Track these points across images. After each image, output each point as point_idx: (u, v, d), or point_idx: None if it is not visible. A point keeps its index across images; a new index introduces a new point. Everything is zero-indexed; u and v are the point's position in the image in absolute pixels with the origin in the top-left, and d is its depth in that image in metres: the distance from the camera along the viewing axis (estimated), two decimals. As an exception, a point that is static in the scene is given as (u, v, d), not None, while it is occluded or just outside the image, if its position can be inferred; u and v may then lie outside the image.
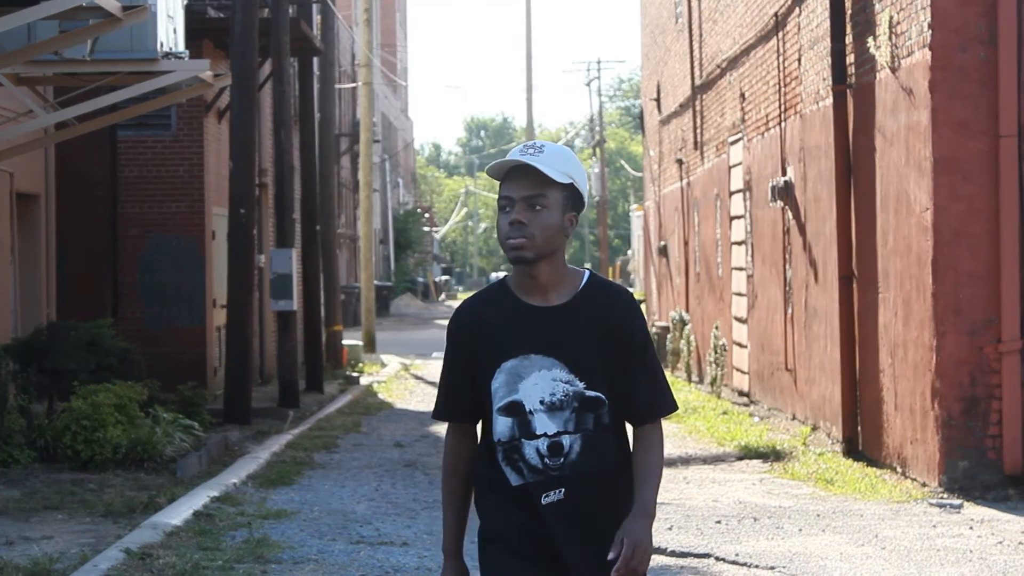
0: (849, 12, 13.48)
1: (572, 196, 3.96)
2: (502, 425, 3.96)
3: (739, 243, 19.11)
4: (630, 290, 4.27)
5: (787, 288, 16.32)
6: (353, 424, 17.47)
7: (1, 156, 14.50)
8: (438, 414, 4.10)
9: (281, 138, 19.51)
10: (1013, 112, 11.14)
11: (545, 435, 3.92)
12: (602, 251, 61.48)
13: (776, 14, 16.67)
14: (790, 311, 16.20)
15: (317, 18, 25.46)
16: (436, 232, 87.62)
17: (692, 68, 23.10)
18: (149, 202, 19.36)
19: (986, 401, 11.13)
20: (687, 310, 23.73)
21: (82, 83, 14.78)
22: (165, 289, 19.22)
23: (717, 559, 8.94)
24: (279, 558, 8.76)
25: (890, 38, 12.19)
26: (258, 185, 20.24)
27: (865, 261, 13.14)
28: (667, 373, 23.22)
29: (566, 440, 3.91)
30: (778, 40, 16.63)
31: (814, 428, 14.91)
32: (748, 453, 13.92)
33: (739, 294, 19.19)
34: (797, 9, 15.64)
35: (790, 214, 16.07)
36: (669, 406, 4.03)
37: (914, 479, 11.64)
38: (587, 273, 4.03)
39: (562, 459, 3.91)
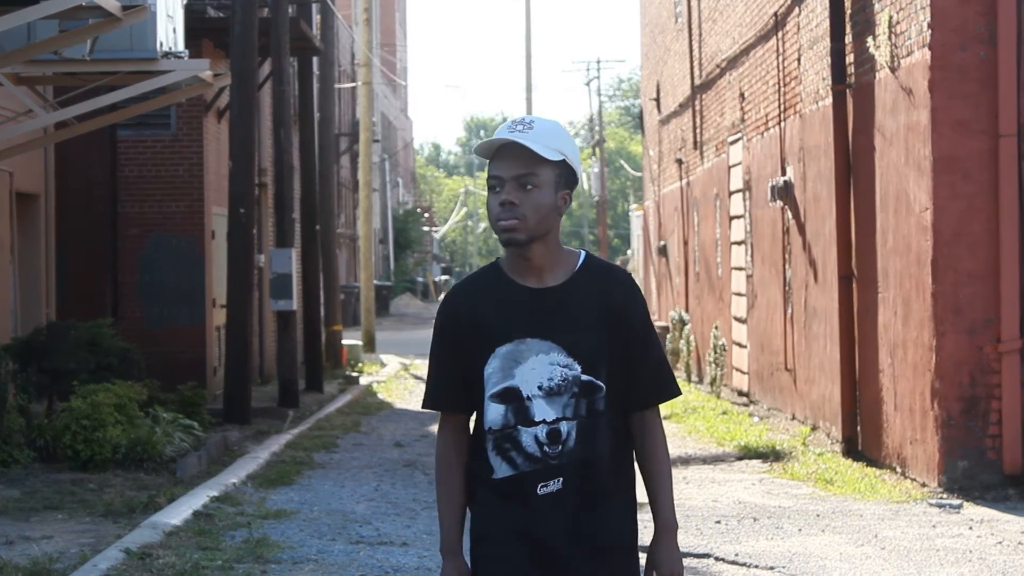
0: (849, 12, 13.48)
1: (565, 173, 3.80)
2: (494, 412, 3.79)
3: (739, 243, 19.11)
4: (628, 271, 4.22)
5: (787, 288, 16.32)
6: (353, 424, 17.47)
7: (1, 156, 14.50)
8: (429, 402, 3.91)
9: (281, 138, 19.52)
10: (1013, 111, 11.14)
11: (544, 422, 3.76)
12: (602, 251, 61.47)
13: (776, 14, 16.67)
14: (790, 311, 16.20)
15: (317, 18, 25.46)
16: (436, 232, 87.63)
17: (692, 68, 23.11)
18: (149, 202, 19.36)
19: (986, 401, 11.13)
20: (687, 310, 23.73)
21: (82, 83, 14.78)
22: (165, 289, 19.23)
23: (717, 559, 8.94)
24: (279, 558, 8.76)
25: (890, 38, 12.19)
26: (258, 185, 20.25)
27: (865, 261, 13.14)
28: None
29: (564, 426, 3.76)
30: (778, 40, 16.63)
31: (814, 428, 14.91)
32: (748, 453, 13.92)
33: (739, 294, 19.19)
34: (797, 9, 15.64)
35: (790, 214, 16.07)
36: (673, 390, 3.90)
37: (914, 479, 11.64)
38: (583, 253, 3.86)
39: (560, 446, 3.75)
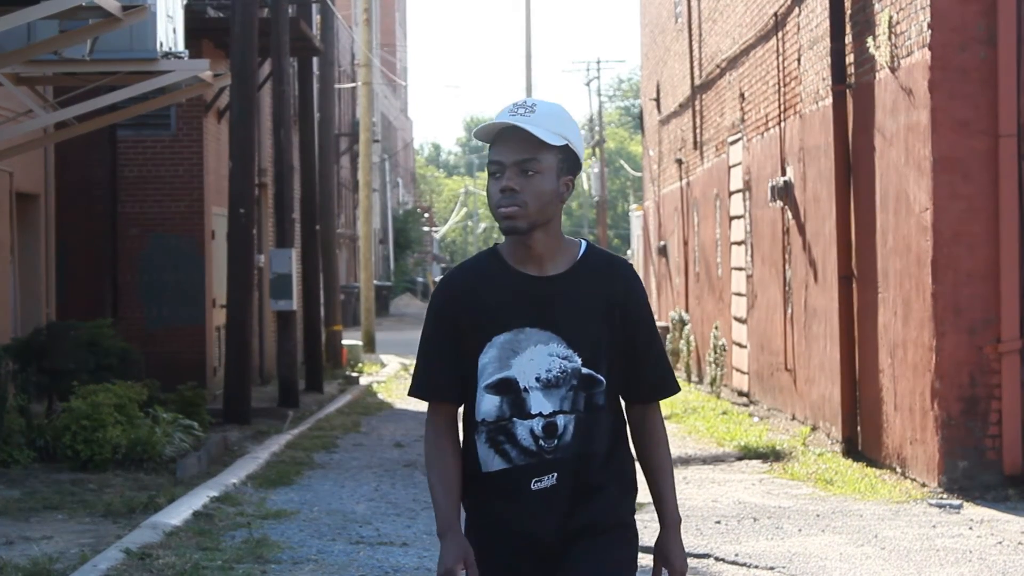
0: (849, 12, 13.48)
1: (567, 158, 3.66)
2: (488, 404, 3.65)
3: (739, 243, 19.11)
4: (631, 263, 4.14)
5: (787, 288, 16.32)
6: (353, 424, 17.47)
7: (1, 156, 14.50)
8: (420, 391, 3.73)
9: (281, 138, 19.52)
10: (1013, 111, 11.13)
11: (540, 415, 3.62)
12: (602, 251, 61.41)
13: (776, 14, 16.67)
14: (790, 311, 16.20)
15: (317, 18, 25.47)
16: (436, 232, 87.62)
17: (692, 68, 23.11)
18: (149, 202, 19.37)
19: (986, 401, 11.13)
20: (687, 310, 23.73)
21: (82, 83, 14.79)
22: (165, 289, 19.24)
23: (716, 559, 8.94)
24: (279, 558, 8.76)
25: (889, 38, 12.19)
26: (258, 185, 20.25)
27: (865, 261, 13.14)
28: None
29: (561, 420, 3.62)
30: (778, 40, 16.63)
31: (814, 428, 14.91)
32: (748, 453, 13.92)
33: (739, 294, 19.19)
34: (797, 9, 15.64)
35: (790, 214, 16.07)
36: (673, 386, 3.79)
37: (914, 479, 11.64)
38: (584, 243, 3.75)
39: (556, 441, 3.62)
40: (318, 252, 22.60)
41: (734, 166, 19.49)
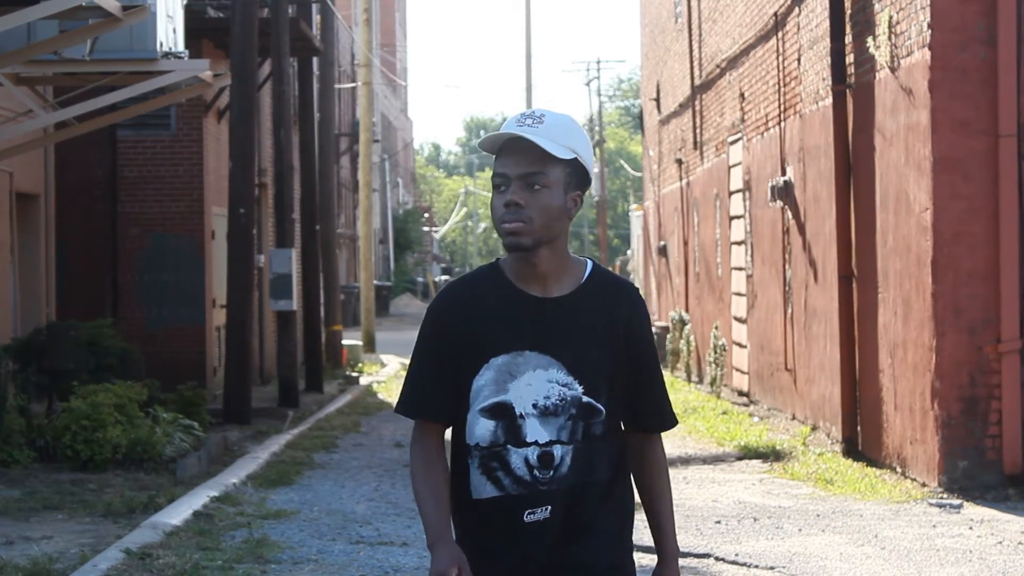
0: (849, 12, 13.48)
1: (576, 172, 3.45)
2: (482, 428, 3.46)
3: (739, 243, 19.11)
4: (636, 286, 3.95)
5: (787, 288, 16.32)
6: (353, 424, 17.47)
7: (1, 156, 14.51)
8: (405, 408, 3.52)
9: (281, 138, 19.52)
10: (1013, 111, 11.13)
11: (536, 443, 3.43)
12: (602, 251, 61.47)
13: (776, 14, 16.67)
14: (790, 311, 16.20)
15: (317, 18, 25.47)
16: (436, 232, 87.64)
17: (692, 68, 23.11)
18: (149, 202, 19.38)
19: (986, 401, 11.13)
20: (687, 310, 23.73)
21: (82, 83, 14.79)
22: (165, 289, 19.24)
23: (717, 559, 8.94)
24: (279, 558, 8.76)
25: (889, 38, 12.19)
26: (258, 185, 20.25)
27: (865, 261, 13.14)
28: (667, 373, 23.29)
29: (557, 451, 3.44)
30: (778, 40, 16.63)
31: (814, 428, 14.91)
32: (748, 453, 13.92)
33: (739, 294, 19.19)
34: (797, 9, 15.64)
35: (790, 214, 16.07)
36: (673, 420, 3.65)
37: (914, 479, 11.64)
38: (590, 264, 3.55)
39: (551, 472, 3.43)
40: (318, 252, 22.60)
41: (734, 166, 19.49)
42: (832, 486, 11.75)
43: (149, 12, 12.40)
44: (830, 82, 13.71)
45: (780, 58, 16.52)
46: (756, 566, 8.71)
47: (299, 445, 14.86)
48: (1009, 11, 11.11)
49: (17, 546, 9.09)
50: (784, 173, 16.28)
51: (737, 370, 19.37)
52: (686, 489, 11.78)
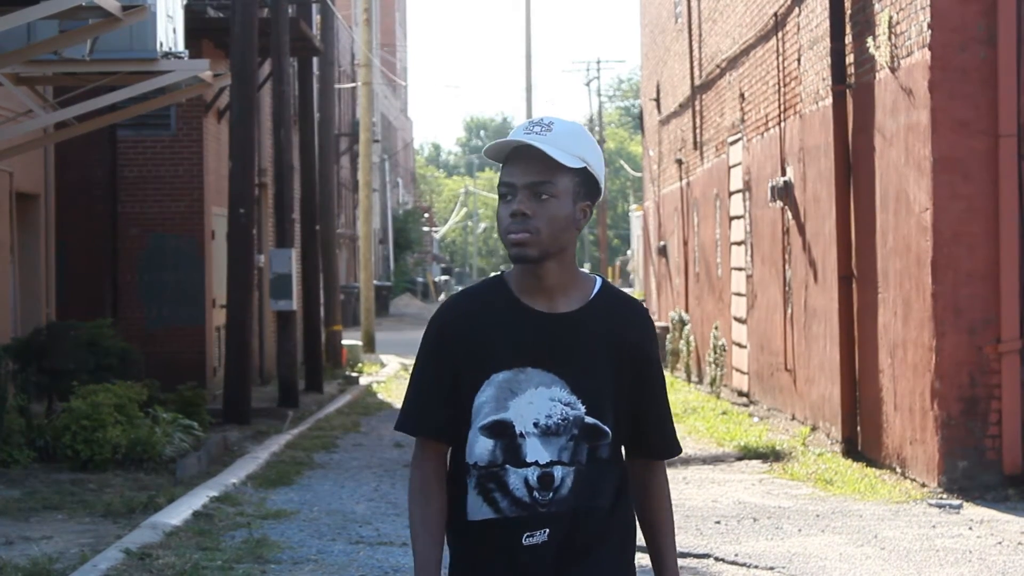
0: (849, 12, 13.48)
1: (586, 182, 3.33)
2: (481, 447, 3.34)
3: (738, 243, 19.11)
4: (644, 305, 3.68)
5: (786, 288, 16.32)
6: (352, 424, 17.47)
7: (1, 156, 14.51)
8: (408, 426, 3.40)
9: (281, 138, 19.52)
10: (1013, 111, 11.14)
11: (536, 464, 3.31)
12: (601, 251, 61.48)
13: (776, 14, 16.67)
14: (789, 311, 16.20)
15: (317, 18, 25.47)
16: (436, 232, 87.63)
17: (692, 68, 23.11)
18: (149, 202, 19.38)
19: (985, 401, 11.13)
20: (686, 310, 23.73)
21: (82, 83, 14.79)
22: (165, 289, 19.24)
23: (716, 559, 8.94)
24: (278, 558, 8.77)
25: (889, 38, 12.19)
26: (258, 185, 20.26)
27: (864, 261, 13.14)
28: (667, 373, 23.29)
29: (558, 472, 3.32)
30: (778, 40, 16.63)
31: (813, 428, 14.91)
32: (747, 453, 13.92)
33: (739, 294, 19.19)
34: (797, 9, 15.64)
35: (789, 214, 16.07)
36: (677, 448, 3.54)
37: (913, 479, 11.64)
38: (599, 280, 3.43)
39: (551, 494, 3.32)
40: (318, 252, 22.60)
41: (734, 166, 19.49)
42: (832, 486, 11.75)
43: (149, 12, 12.40)
44: (830, 82, 13.71)
45: (780, 58, 16.52)
46: (756, 566, 8.71)
47: (299, 445, 14.86)
48: (1009, 11, 11.11)
49: (17, 546, 9.09)
50: (784, 173, 16.28)
51: (737, 370, 19.37)
52: (686, 489, 11.79)
